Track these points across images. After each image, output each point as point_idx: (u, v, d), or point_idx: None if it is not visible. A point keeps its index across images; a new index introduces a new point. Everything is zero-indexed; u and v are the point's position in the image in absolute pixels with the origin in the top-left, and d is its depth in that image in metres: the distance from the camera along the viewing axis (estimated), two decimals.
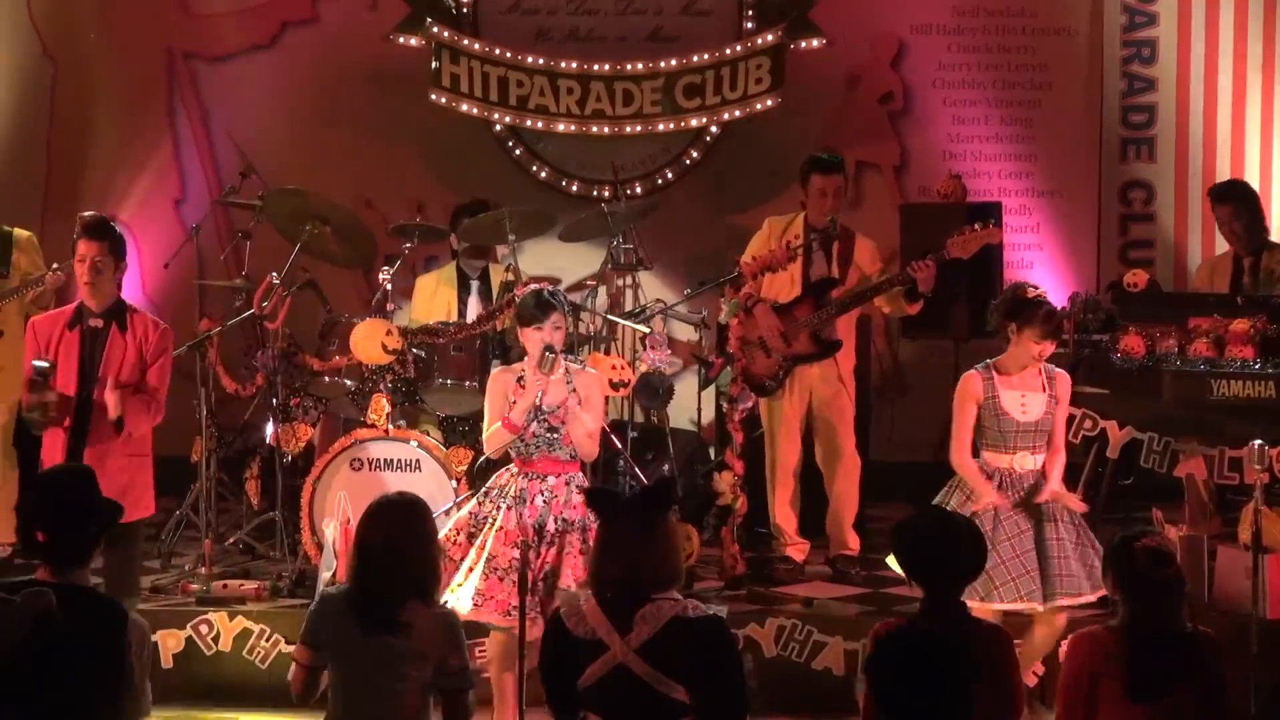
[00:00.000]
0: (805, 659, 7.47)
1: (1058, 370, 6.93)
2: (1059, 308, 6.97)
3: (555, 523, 6.43)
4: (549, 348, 6.49)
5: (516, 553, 6.27)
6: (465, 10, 10.37)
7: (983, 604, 6.44)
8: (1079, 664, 4.97)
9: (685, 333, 9.51)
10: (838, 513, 8.37)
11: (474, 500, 6.68)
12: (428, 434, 8.08)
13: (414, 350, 8.08)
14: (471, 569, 6.41)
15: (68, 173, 10.38)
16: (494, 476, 6.69)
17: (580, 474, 6.64)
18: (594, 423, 6.61)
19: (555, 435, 6.54)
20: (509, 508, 6.47)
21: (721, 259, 9.26)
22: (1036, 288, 6.94)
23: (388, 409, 7.88)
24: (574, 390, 6.57)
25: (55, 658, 4.45)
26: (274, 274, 8.16)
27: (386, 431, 7.83)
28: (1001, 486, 6.77)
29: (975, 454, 6.88)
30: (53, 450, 6.71)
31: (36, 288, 8.30)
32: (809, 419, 8.34)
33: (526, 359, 6.64)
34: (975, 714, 4.29)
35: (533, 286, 6.73)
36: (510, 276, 8.31)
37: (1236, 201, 8.96)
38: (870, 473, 8.47)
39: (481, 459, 6.96)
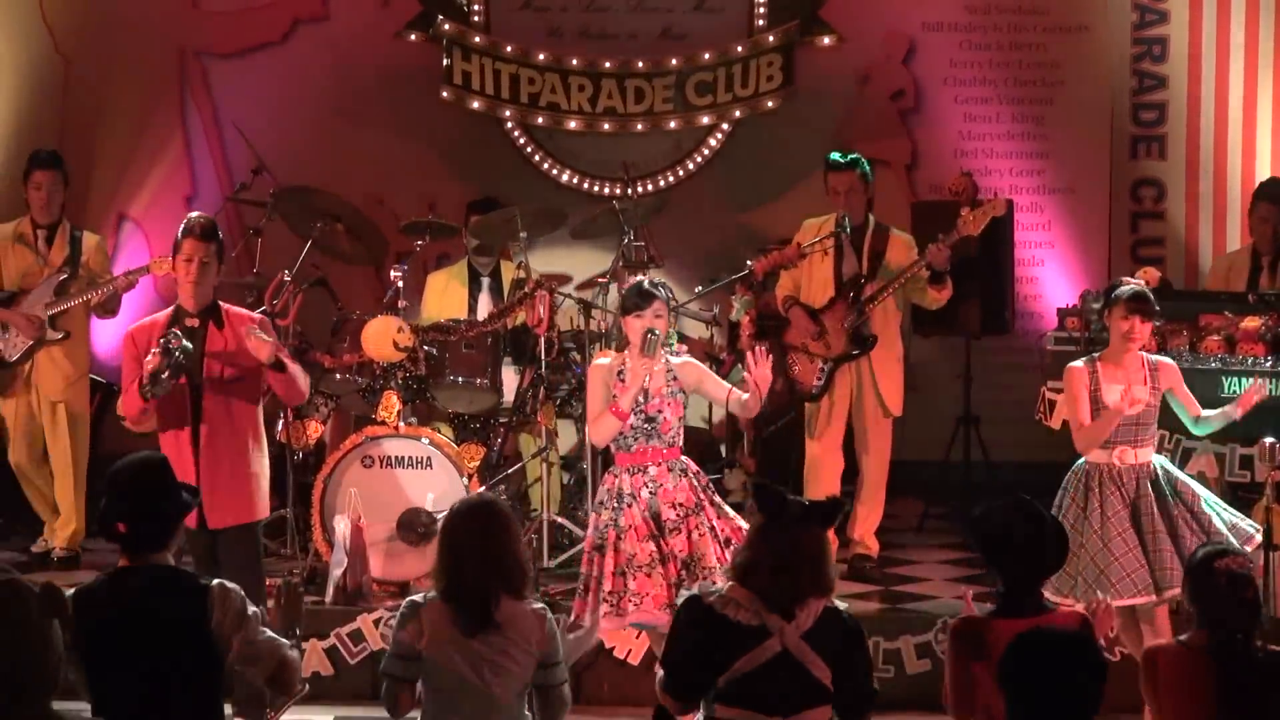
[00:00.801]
0: None
1: (1162, 360, 6.89)
2: (1147, 287, 6.90)
3: (672, 510, 6.43)
4: (651, 330, 6.44)
5: (653, 545, 6.33)
6: (477, 8, 10.38)
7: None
8: (1155, 677, 4.85)
9: (697, 330, 9.50)
10: (862, 515, 8.37)
11: (592, 514, 6.68)
12: (439, 431, 8.09)
13: (425, 347, 8.08)
14: (614, 573, 6.39)
15: (79, 170, 10.34)
16: (600, 488, 6.66)
17: (683, 458, 6.59)
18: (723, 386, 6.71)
19: (653, 425, 6.51)
20: (627, 506, 6.46)
21: (733, 256, 9.26)
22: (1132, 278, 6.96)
23: (399, 406, 7.89)
24: (675, 379, 6.56)
25: (145, 634, 4.53)
26: (285, 271, 8.16)
27: (397, 429, 7.84)
28: (1103, 483, 6.70)
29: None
30: (174, 458, 6.50)
31: (105, 291, 8.35)
32: (848, 419, 8.33)
33: (629, 349, 6.58)
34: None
35: (636, 278, 6.74)
36: (521, 274, 8.31)
37: None
38: None
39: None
